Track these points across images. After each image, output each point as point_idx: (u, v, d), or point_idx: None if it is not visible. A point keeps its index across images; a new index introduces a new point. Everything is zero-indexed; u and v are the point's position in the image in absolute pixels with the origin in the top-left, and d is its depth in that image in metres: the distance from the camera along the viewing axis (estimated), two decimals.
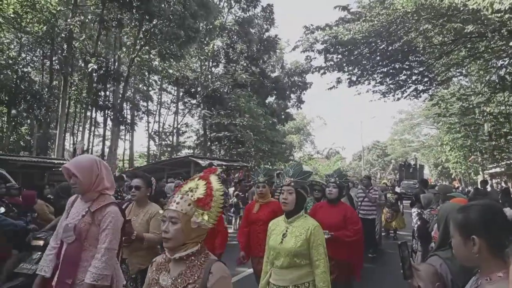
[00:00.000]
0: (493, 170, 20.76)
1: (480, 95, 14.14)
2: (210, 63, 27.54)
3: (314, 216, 3.44)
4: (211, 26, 22.76)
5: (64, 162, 14.32)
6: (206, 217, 1.49)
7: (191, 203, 1.50)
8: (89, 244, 2.27)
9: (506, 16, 6.30)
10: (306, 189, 2.73)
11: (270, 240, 2.63)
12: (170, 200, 1.56)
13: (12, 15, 15.22)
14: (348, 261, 3.66)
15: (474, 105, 15.40)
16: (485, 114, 15.57)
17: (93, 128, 25.10)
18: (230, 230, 7.11)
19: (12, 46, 18.47)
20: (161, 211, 3.31)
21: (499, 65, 11.88)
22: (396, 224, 9.55)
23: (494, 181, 21.93)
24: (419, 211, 7.05)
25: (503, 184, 20.12)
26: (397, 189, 15.00)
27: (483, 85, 14.01)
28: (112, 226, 2.27)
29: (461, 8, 6.59)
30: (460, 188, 21.27)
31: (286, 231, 2.54)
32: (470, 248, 1.25)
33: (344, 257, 3.57)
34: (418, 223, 6.60)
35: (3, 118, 18.70)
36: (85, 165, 2.34)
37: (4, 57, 16.48)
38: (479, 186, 11.99)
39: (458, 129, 19.10)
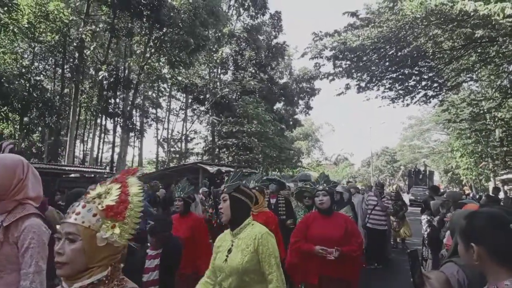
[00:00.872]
0: (504, 177, 20.40)
1: (491, 100, 13.98)
2: (219, 70, 27.74)
3: (309, 230, 3.19)
4: (220, 34, 22.98)
5: (76, 168, 14.50)
6: (117, 231, 1.13)
7: (97, 213, 1.14)
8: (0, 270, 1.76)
9: None
10: (244, 192, 2.27)
11: (215, 259, 2.24)
12: (69, 210, 1.18)
13: (26, 25, 15.56)
14: (351, 279, 3.21)
15: (485, 110, 15.22)
16: (496, 119, 15.36)
17: (103, 135, 25.40)
18: None
19: (26, 55, 18.85)
20: None
21: (510, 69, 11.77)
22: (404, 233, 9.26)
23: (506, 187, 21.56)
24: (429, 218, 6.97)
25: None
26: (405, 196, 14.55)
27: (494, 90, 13.85)
28: (35, 244, 1.79)
29: (472, 14, 6.55)
30: (471, 195, 20.95)
31: (232, 245, 2.17)
32: (471, 255, 1.25)
33: (348, 276, 3.12)
34: (428, 230, 6.52)
35: (16, 126, 19.01)
36: (6, 164, 1.87)
37: (18, 66, 16.82)
38: (490, 193, 11.81)
39: (468, 135, 18.88)
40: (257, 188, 3.64)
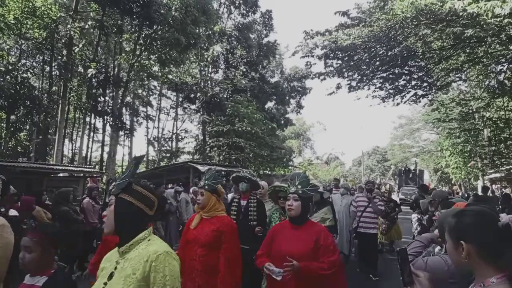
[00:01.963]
0: (493, 176, 20.70)
1: (480, 100, 14.15)
2: (210, 68, 27.63)
3: (272, 242, 2.68)
4: (210, 32, 22.87)
5: (64, 168, 14.28)
6: None
7: None
8: None
9: (506, 20, 6.31)
10: (138, 193, 1.65)
11: (94, 286, 1.62)
12: None
13: (12, 21, 15.25)
14: None
15: (474, 110, 15.41)
16: (485, 119, 15.56)
17: (92, 133, 25.10)
18: None
19: (12, 52, 18.51)
20: None
21: (498, 70, 11.90)
22: (392, 236, 8.83)
23: (494, 186, 21.88)
24: (419, 216, 7.00)
25: (503, 190, 20.07)
26: (395, 197, 13.64)
27: (482, 90, 14.01)
28: None
29: (461, 14, 6.60)
30: (460, 194, 21.21)
31: (115, 269, 1.59)
32: (460, 253, 1.27)
33: None
34: (418, 228, 6.54)
35: (2, 124, 18.67)
36: None
37: (4, 63, 16.50)
38: (479, 192, 11.95)
39: (458, 134, 19.09)
40: (206, 187, 3.00)
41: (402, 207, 9.73)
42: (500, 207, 7.36)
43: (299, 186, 2.63)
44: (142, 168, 28.23)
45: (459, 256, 1.27)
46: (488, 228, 1.25)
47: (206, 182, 3.05)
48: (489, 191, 13.46)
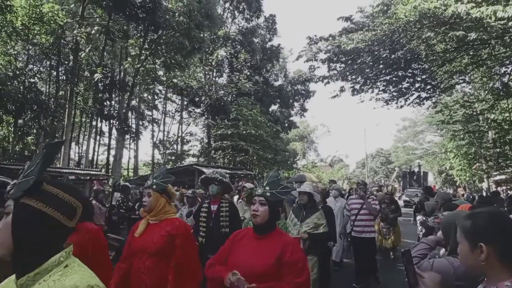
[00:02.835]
0: (497, 177, 20.63)
1: (484, 102, 14.16)
2: (214, 72, 27.79)
3: (230, 254, 2.16)
4: (215, 36, 23.04)
5: (71, 171, 14.44)
6: None
7: None
8: None
9: (510, 23, 6.36)
10: (49, 196, 1.08)
11: None
12: None
13: (20, 27, 15.49)
14: None
15: (478, 112, 15.41)
16: (489, 121, 15.55)
17: (98, 137, 25.29)
18: None
19: (20, 58, 18.76)
20: None
21: (502, 72, 11.92)
22: (393, 241, 8.09)
23: (499, 188, 21.78)
24: (424, 218, 7.04)
25: (509, 192, 19.99)
26: (397, 198, 13.05)
27: (486, 92, 14.03)
28: None
29: (464, 17, 6.66)
30: (465, 196, 21.14)
31: None
32: (477, 256, 1.23)
33: None
34: (423, 230, 6.59)
35: (10, 128, 18.89)
36: None
37: (12, 68, 16.74)
38: (487, 195, 11.90)
39: (462, 136, 19.08)
40: (154, 187, 2.56)
41: (406, 209, 9.37)
42: (506, 209, 7.37)
43: (267, 188, 2.18)
44: (147, 171, 28.41)
45: (476, 258, 1.23)
46: (507, 229, 1.23)
47: (154, 181, 2.61)
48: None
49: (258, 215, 2.11)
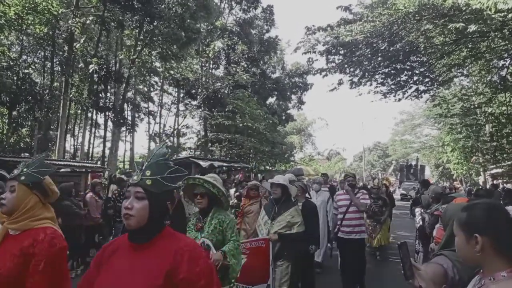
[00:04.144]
0: (494, 171, 20.71)
1: (482, 96, 14.14)
2: (211, 64, 27.59)
3: (97, 278, 1.41)
4: (212, 27, 22.80)
5: (66, 163, 14.32)
6: None
7: None
8: None
9: (510, 15, 6.28)
10: None
11: None
12: None
13: (13, 17, 15.23)
14: None
15: (476, 105, 15.40)
16: (487, 114, 15.56)
17: (93, 129, 25.13)
18: None
19: (13, 48, 18.52)
20: None
21: (500, 65, 11.88)
22: (380, 240, 7.46)
23: (496, 182, 21.89)
24: (422, 211, 7.04)
25: (505, 185, 20.10)
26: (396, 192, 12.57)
27: (484, 85, 13.99)
28: None
29: (464, 9, 6.58)
30: (462, 189, 21.23)
31: None
32: (473, 247, 1.24)
33: None
34: (421, 223, 6.59)
35: (4, 120, 18.72)
36: None
37: (5, 59, 16.52)
38: (482, 188, 11.96)
39: (459, 129, 19.09)
40: (22, 178, 1.80)
41: (403, 202, 9.27)
42: (502, 202, 7.38)
43: (148, 173, 1.46)
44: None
45: (471, 249, 1.25)
46: (502, 220, 1.25)
47: (25, 170, 1.81)
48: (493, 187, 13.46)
49: (131, 215, 1.38)
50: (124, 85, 19.77)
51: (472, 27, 7.03)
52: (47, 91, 18.46)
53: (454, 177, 30.98)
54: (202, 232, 2.74)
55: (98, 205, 7.00)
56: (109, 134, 22.91)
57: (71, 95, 18.99)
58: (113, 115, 19.28)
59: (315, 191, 6.46)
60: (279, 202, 3.91)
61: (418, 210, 7.19)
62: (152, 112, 30.19)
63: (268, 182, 4.26)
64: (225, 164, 18.62)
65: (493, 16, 6.34)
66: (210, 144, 25.56)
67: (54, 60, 19.23)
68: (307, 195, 5.25)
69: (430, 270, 1.59)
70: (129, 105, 26.00)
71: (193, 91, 26.18)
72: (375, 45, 9.89)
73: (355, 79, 11.44)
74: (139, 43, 18.84)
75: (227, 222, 2.79)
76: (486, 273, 1.25)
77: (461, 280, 1.62)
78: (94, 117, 24.07)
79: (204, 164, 14.60)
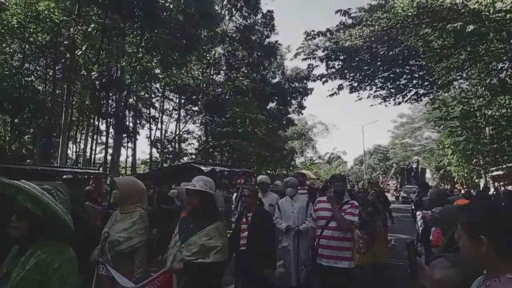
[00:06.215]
0: (495, 173, 20.72)
1: (481, 98, 14.18)
2: (212, 70, 27.72)
3: None
4: (212, 33, 22.96)
5: (68, 170, 14.39)
6: None
7: None
8: None
9: (508, 16, 6.32)
10: None
11: None
12: None
13: (15, 26, 15.39)
14: None
15: (475, 108, 15.43)
16: (486, 117, 15.57)
17: (95, 136, 25.24)
18: None
19: (16, 56, 18.67)
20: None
21: (499, 68, 11.93)
22: (376, 256, 5.96)
23: (497, 184, 21.88)
24: (423, 214, 7.08)
25: (505, 187, 20.08)
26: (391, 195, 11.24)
27: (483, 88, 14.04)
28: None
29: (462, 10, 6.64)
30: (463, 191, 21.22)
31: None
32: (478, 248, 1.23)
33: None
34: (423, 226, 6.62)
35: (7, 127, 18.81)
36: None
37: (8, 66, 16.66)
38: (482, 190, 11.99)
39: (459, 132, 19.10)
40: None
41: (404, 205, 8.91)
42: (503, 204, 7.42)
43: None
44: (145, 169, 28.35)
45: (477, 251, 1.23)
46: (507, 222, 1.23)
47: None
48: (492, 189, 13.49)
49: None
50: (125, 91, 19.90)
51: (471, 27, 7.07)
52: (49, 98, 18.58)
53: (455, 180, 30.94)
54: (6, 282, 1.60)
55: (97, 212, 7.06)
56: (111, 141, 23.00)
57: (73, 102, 19.11)
58: (114, 121, 19.37)
59: (290, 196, 4.97)
60: (197, 216, 2.65)
61: (419, 213, 7.22)
62: (154, 117, 30.34)
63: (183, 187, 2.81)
64: (226, 169, 18.66)
65: (491, 16, 6.39)
66: (211, 149, 25.61)
67: (56, 68, 19.39)
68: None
69: (440, 274, 1.57)
70: (131, 112, 26.12)
71: (194, 97, 26.30)
72: (374, 49, 9.96)
73: (355, 84, 11.50)
74: (140, 50, 18.99)
75: (56, 266, 1.61)
76: (491, 274, 1.24)
77: (463, 282, 1.62)
78: (96, 123, 24.18)
79: (205, 169, 14.64)
